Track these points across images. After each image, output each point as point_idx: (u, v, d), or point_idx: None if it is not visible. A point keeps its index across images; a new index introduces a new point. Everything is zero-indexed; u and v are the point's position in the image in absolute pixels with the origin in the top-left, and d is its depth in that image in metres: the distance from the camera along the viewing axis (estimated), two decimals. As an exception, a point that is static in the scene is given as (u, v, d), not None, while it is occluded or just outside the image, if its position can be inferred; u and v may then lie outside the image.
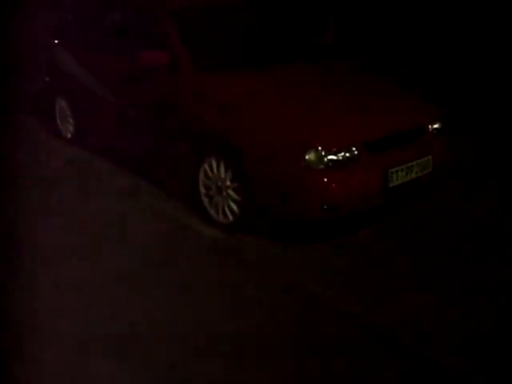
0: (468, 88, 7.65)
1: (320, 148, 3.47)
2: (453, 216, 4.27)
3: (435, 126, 4.21)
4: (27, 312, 3.05)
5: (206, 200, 4.12)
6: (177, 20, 4.51)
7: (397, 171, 3.75)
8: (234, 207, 3.90)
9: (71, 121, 5.85)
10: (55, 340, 2.83)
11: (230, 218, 3.95)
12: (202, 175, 4.08)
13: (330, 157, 3.49)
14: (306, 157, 3.47)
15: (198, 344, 2.81)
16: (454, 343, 2.82)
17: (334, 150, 3.51)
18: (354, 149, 3.57)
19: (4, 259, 3.58)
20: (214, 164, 3.96)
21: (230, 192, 3.90)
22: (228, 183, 3.90)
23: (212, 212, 4.08)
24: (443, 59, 8.98)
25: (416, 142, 4.03)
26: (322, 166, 3.48)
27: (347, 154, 3.55)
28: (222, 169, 3.91)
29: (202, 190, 4.12)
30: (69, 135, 5.95)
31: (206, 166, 4.03)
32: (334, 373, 2.64)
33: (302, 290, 3.31)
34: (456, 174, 4.84)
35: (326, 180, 3.48)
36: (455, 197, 4.58)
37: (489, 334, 2.90)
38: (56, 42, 6.03)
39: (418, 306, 3.13)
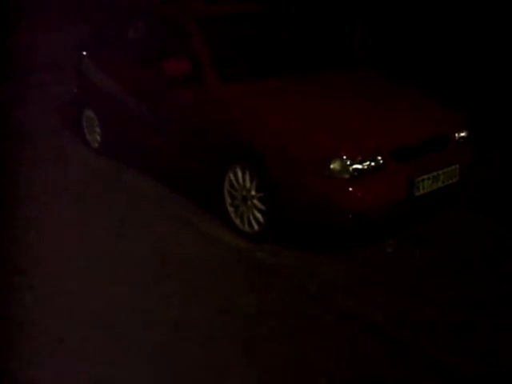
0: (496, 95, 7.54)
1: (345, 157, 3.46)
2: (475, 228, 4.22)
3: (462, 134, 4.17)
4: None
5: (231, 209, 4.14)
6: (201, 29, 4.54)
7: (423, 180, 3.72)
8: (260, 217, 3.91)
9: (98, 131, 5.94)
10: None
11: (256, 227, 3.96)
12: (227, 184, 4.10)
13: (355, 166, 3.47)
14: (331, 166, 3.46)
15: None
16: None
17: (359, 158, 3.49)
18: (379, 158, 3.56)
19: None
20: (240, 173, 3.97)
21: (256, 202, 3.91)
22: (253, 193, 3.90)
23: (237, 221, 4.09)
24: (471, 66, 8.86)
25: (443, 151, 3.99)
26: (347, 175, 3.46)
27: (372, 163, 3.53)
28: (248, 178, 3.92)
29: (228, 200, 4.14)
30: (96, 145, 6.04)
31: (231, 175, 4.04)
32: None
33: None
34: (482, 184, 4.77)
35: (351, 189, 3.46)
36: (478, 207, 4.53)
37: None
38: (84, 53, 6.13)
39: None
